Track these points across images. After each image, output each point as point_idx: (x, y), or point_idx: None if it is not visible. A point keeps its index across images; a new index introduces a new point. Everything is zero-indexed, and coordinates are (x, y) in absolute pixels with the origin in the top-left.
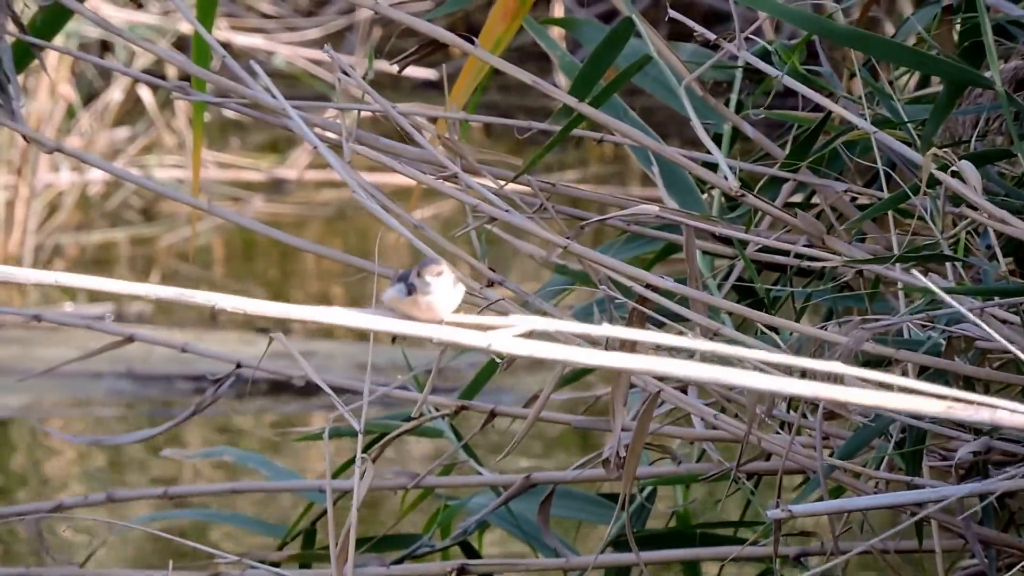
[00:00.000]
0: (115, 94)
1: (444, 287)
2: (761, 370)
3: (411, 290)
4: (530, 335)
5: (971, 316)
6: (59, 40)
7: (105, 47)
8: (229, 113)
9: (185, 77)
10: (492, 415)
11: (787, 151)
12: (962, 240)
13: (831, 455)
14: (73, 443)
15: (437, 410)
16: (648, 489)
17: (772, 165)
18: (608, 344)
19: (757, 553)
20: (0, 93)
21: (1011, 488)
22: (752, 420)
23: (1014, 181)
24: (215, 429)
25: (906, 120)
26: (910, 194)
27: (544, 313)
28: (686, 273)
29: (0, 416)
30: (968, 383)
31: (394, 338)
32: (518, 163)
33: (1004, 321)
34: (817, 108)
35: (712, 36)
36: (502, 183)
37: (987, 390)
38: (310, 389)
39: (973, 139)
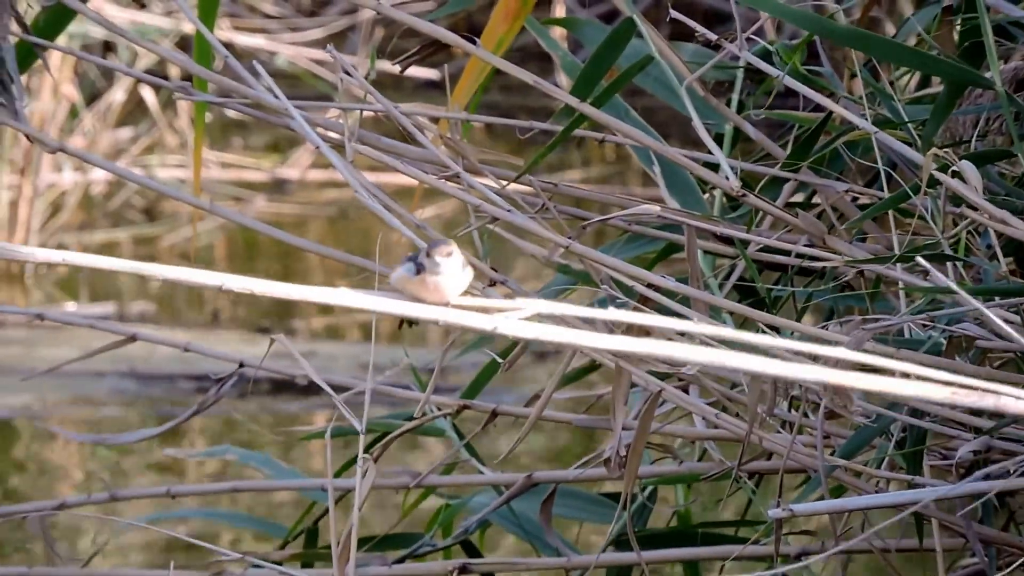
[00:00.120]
0: (118, 94)
1: (453, 268)
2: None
3: (420, 269)
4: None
5: (986, 311)
6: (62, 40)
7: (108, 47)
8: (231, 113)
9: (187, 77)
10: (494, 414)
11: (788, 151)
12: (963, 240)
13: (832, 454)
14: (76, 442)
15: (439, 409)
16: (649, 488)
17: (773, 165)
18: (612, 329)
19: (758, 552)
20: (3, 93)
21: (1011, 487)
22: (753, 419)
23: (1014, 181)
24: (217, 428)
25: (907, 120)
26: (911, 194)
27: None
28: (687, 273)
29: (3, 415)
30: None
31: (400, 323)
32: (520, 163)
33: (1005, 321)
34: (818, 108)
35: (713, 36)
36: (504, 183)
37: None
38: (312, 389)
39: (973, 139)
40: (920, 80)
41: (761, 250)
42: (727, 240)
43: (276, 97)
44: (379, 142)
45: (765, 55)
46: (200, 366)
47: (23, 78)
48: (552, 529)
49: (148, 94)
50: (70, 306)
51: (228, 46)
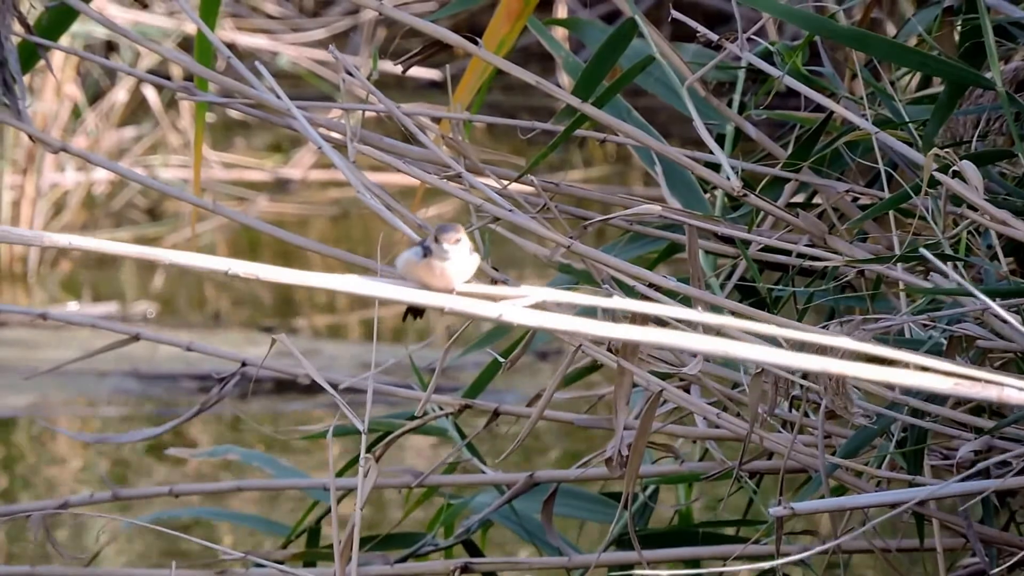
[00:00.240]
0: (120, 94)
1: (460, 255)
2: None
3: (426, 253)
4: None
5: (996, 307)
6: (65, 40)
7: (110, 47)
8: (234, 113)
9: (190, 77)
10: (495, 414)
11: (789, 151)
12: (963, 240)
13: (833, 454)
14: (78, 441)
15: (441, 409)
16: (651, 488)
17: (774, 165)
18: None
19: (759, 552)
20: (6, 93)
21: (1011, 486)
22: (754, 419)
23: (1015, 181)
24: (220, 428)
25: (907, 120)
26: (911, 194)
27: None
28: (689, 273)
29: (6, 415)
30: None
31: (405, 315)
32: (521, 163)
33: (1005, 321)
34: (819, 108)
35: (715, 37)
36: (506, 183)
37: None
38: (315, 388)
39: (974, 139)
40: (921, 80)
41: (762, 250)
42: (728, 240)
43: (278, 97)
44: (381, 142)
45: (766, 55)
46: (202, 366)
47: (26, 78)
48: (553, 528)
49: (151, 94)
50: (73, 306)
51: (230, 46)
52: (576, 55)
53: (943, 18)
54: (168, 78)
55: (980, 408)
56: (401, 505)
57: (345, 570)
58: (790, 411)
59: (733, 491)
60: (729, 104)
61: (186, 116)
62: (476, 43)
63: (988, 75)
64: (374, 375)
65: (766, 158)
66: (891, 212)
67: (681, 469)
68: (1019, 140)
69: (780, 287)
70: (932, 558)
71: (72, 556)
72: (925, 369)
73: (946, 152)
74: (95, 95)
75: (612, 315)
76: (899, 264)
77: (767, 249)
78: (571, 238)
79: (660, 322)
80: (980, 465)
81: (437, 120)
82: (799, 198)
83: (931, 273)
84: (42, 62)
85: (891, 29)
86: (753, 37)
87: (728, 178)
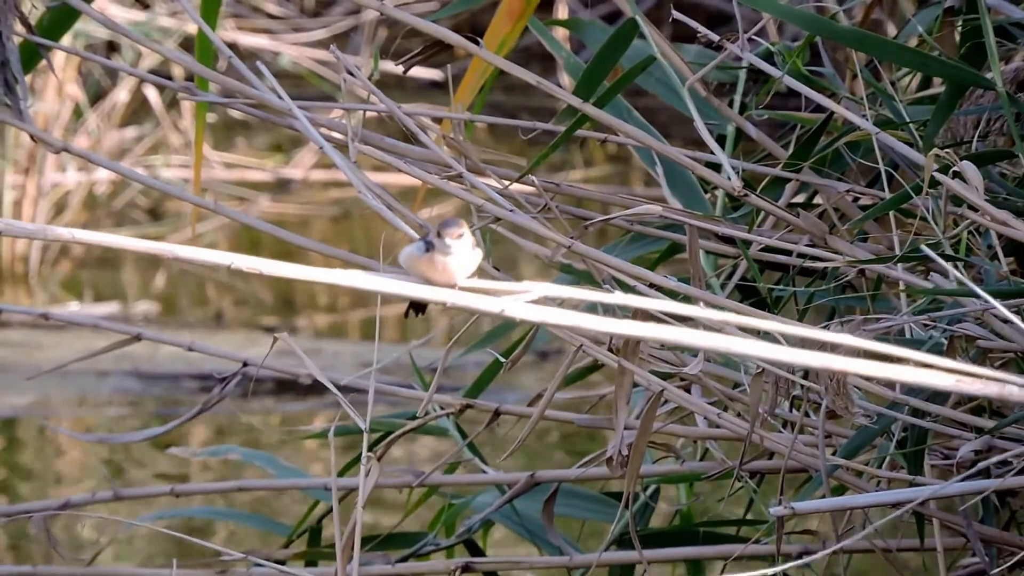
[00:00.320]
0: (122, 94)
1: (463, 250)
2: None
3: (429, 248)
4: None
5: (1000, 307)
6: (66, 40)
7: (112, 47)
8: (235, 113)
9: (191, 77)
10: (496, 413)
11: (790, 151)
12: (964, 240)
13: (833, 454)
14: (80, 441)
15: (442, 409)
16: (651, 487)
17: (775, 165)
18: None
19: (760, 551)
20: (8, 93)
21: (1011, 486)
22: (755, 419)
23: (1015, 182)
24: (221, 428)
25: (908, 121)
26: (912, 194)
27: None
28: (689, 273)
29: (7, 414)
30: None
31: (407, 311)
32: (522, 163)
33: (1006, 321)
34: (820, 109)
35: (715, 37)
36: (507, 183)
37: None
38: (316, 388)
39: (974, 140)
40: (921, 81)
41: (763, 250)
42: (729, 240)
43: (280, 97)
44: (382, 142)
45: (767, 56)
46: (204, 365)
47: (27, 78)
48: (554, 528)
49: (152, 94)
50: (74, 306)
51: (232, 46)
52: (577, 55)
53: (944, 19)
54: (169, 78)
55: (980, 408)
56: (402, 505)
57: (346, 569)
58: (791, 411)
59: (734, 491)
60: (730, 104)
61: (187, 116)
62: (477, 43)
63: (989, 75)
64: (375, 375)
65: (767, 158)
66: (892, 212)
67: (682, 469)
68: (1019, 140)
69: (781, 287)
70: (932, 558)
71: (73, 556)
72: (926, 366)
73: (946, 152)
74: (96, 95)
75: (613, 313)
76: (899, 264)
77: (768, 249)
78: (572, 238)
79: (661, 322)
80: (980, 465)
81: (438, 120)
82: (800, 198)
83: (931, 273)
84: (44, 62)
85: (892, 29)
86: (754, 38)
87: (729, 178)
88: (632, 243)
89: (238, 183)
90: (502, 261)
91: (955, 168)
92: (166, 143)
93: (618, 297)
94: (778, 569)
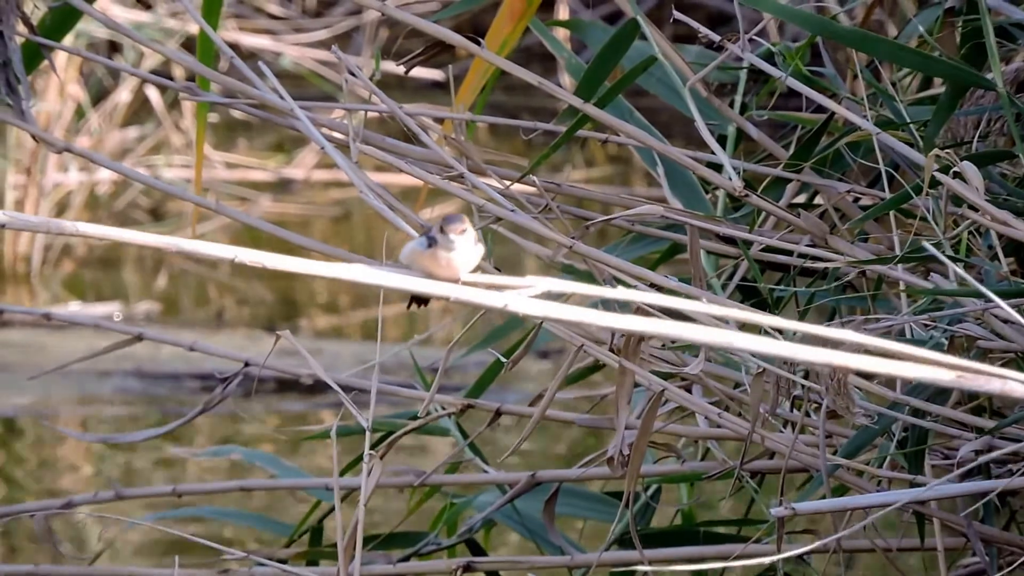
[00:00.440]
0: (123, 94)
1: (465, 246)
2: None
3: (432, 243)
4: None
5: (1005, 306)
6: (68, 41)
7: (113, 47)
8: (236, 113)
9: (192, 77)
10: (498, 413)
11: (791, 152)
12: (964, 241)
13: (834, 454)
14: (82, 441)
15: (443, 408)
16: (653, 487)
17: (776, 166)
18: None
19: (761, 551)
20: (10, 94)
21: (1012, 486)
22: (756, 419)
23: (1016, 182)
24: (223, 427)
25: (908, 121)
26: (912, 195)
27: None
28: (690, 273)
29: (9, 414)
30: None
31: (409, 303)
32: (524, 163)
33: (1006, 321)
34: (820, 109)
35: (716, 38)
36: (508, 183)
37: None
38: (317, 388)
39: (975, 140)
40: (922, 81)
41: (764, 250)
42: (730, 240)
43: (281, 97)
44: (384, 142)
45: (768, 56)
46: (205, 365)
47: (29, 78)
48: (555, 527)
49: (154, 94)
50: (76, 306)
51: (233, 47)
52: (578, 56)
53: (944, 19)
54: (171, 78)
55: (981, 408)
56: (403, 505)
57: (348, 569)
58: (791, 411)
59: (734, 491)
60: (731, 105)
61: (189, 116)
62: (479, 44)
63: (989, 76)
64: (377, 375)
65: (768, 159)
66: (892, 213)
67: (683, 469)
68: (1020, 141)
69: (781, 287)
70: (932, 558)
71: (75, 556)
72: (928, 362)
73: (947, 153)
74: (98, 95)
75: (615, 311)
76: (900, 264)
77: (768, 249)
78: (573, 238)
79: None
80: (980, 460)
81: (440, 120)
82: (800, 198)
83: (932, 274)
84: (46, 62)
85: (892, 30)
86: (755, 38)
87: (730, 178)
88: (633, 243)
89: (239, 183)
90: (503, 261)
91: (955, 168)
92: (168, 143)
93: (620, 292)
94: (778, 560)
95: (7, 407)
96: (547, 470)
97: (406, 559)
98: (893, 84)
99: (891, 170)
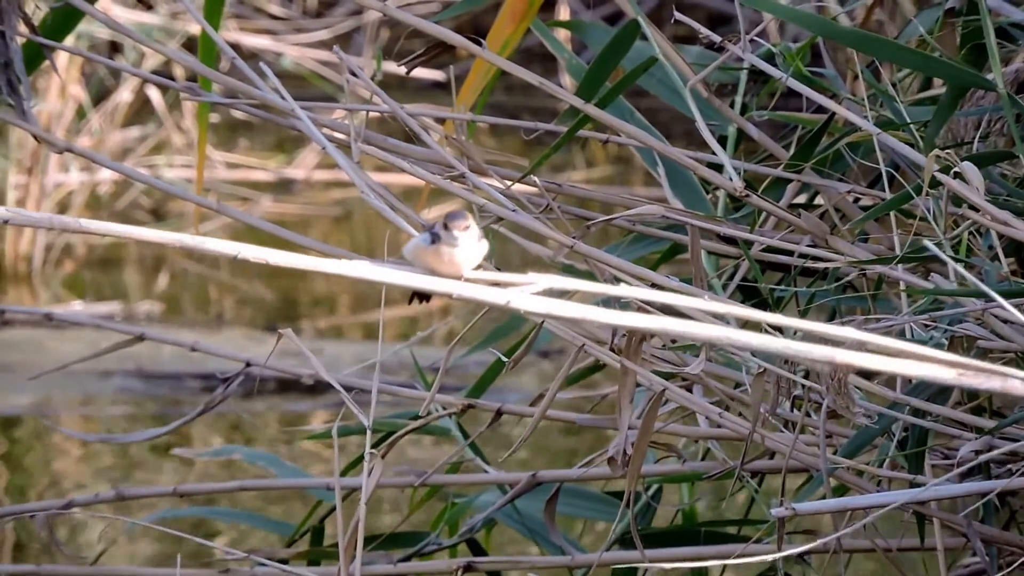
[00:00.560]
0: (124, 94)
1: (469, 242)
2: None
3: (435, 239)
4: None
5: (1008, 305)
6: (69, 41)
7: (115, 48)
8: (237, 113)
9: (194, 78)
10: (499, 413)
11: (791, 152)
12: (964, 241)
13: (834, 454)
14: (83, 441)
15: (444, 408)
16: (653, 487)
17: (776, 166)
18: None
19: (761, 551)
20: (11, 94)
21: (1013, 487)
22: (756, 419)
23: (1016, 182)
24: (224, 427)
25: (909, 122)
26: (913, 195)
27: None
28: (691, 273)
29: (10, 414)
30: None
31: (411, 298)
32: (524, 163)
33: (1006, 321)
34: (821, 109)
35: (717, 38)
36: (509, 183)
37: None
38: (318, 388)
39: (975, 141)
40: (922, 82)
41: (764, 250)
42: (730, 240)
43: (283, 98)
44: (385, 142)
45: (768, 57)
46: (207, 365)
47: (31, 78)
48: (556, 527)
49: (155, 94)
50: (77, 306)
51: (234, 47)
52: (579, 56)
53: (944, 20)
54: (172, 79)
55: (981, 408)
56: (404, 505)
57: (349, 569)
58: (792, 411)
59: (735, 490)
60: (731, 105)
61: (190, 116)
62: (480, 44)
63: (989, 76)
64: (378, 375)
65: (768, 159)
66: (893, 213)
67: (683, 468)
68: (1020, 141)
69: (782, 287)
70: (932, 558)
71: (77, 556)
72: (928, 360)
73: (947, 153)
74: (99, 95)
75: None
76: (900, 265)
77: (769, 249)
78: (574, 238)
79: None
80: (980, 460)
81: (441, 121)
82: (801, 199)
83: (932, 274)
84: (47, 62)
85: (893, 31)
86: (755, 38)
87: (730, 179)
88: (634, 243)
89: (240, 183)
90: (504, 261)
91: (956, 169)
92: (169, 143)
93: (622, 289)
94: (778, 559)
95: (8, 407)
96: (548, 470)
97: (407, 559)
98: (893, 85)
99: (891, 170)
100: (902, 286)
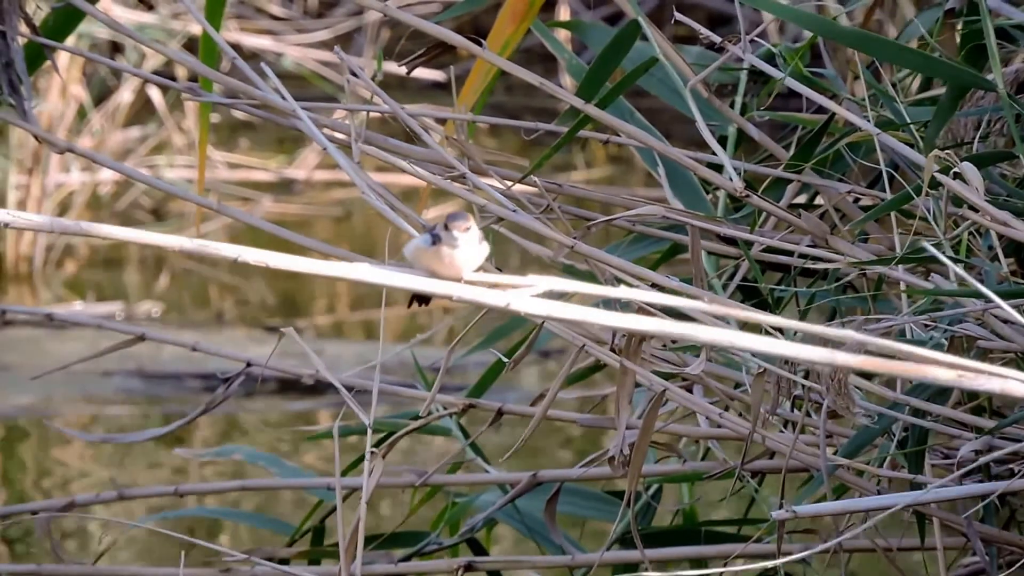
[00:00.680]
0: (125, 95)
1: (469, 243)
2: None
3: (436, 241)
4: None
5: (1007, 307)
6: (70, 41)
7: (116, 48)
8: (238, 114)
9: (195, 78)
10: (499, 413)
11: (791, 152)
12: (964, 241)
13: (834, 454)
14: (83, 441)
15: (445, 408)
16: (654, 487)
17: (776, 166)
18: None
19: (761, 551)
20: (12, 94)
21: (1014, 488)
22: (756, 419)
23: (1016, 183)
24: (224, 427)
25: (909, 122)
26: (913, 195)
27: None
28: (691, 273)
29: (11, 414)
30: None
31: (411, 301)
32: (525, 164)
33: (1006, 321)
34: (821, 110)
35: (717, 38)
36: (509, 183)
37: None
38: (319, 387)
39: (975, 141)
40: (922, 82)
41: (764, 250)
42: (731, 241)
43: (283, 98)
44: (385, 143)
45: (768, 57)
46: (207, 365)
47: (32, 78)
48: (557, 527)
49: (156, 95)
50: (78, 306)
51: (235, 47)
52: (579, 57)
53: (945, 20)
54: (173, 79)
55: (981, 408)
56: (405, 505)
57: (349, 568)
58: (792, 411)
59: (735, 490)
60: (731, 105)
61: (191, 117)
62: (480, 44)
63: (989, 77)
64: (378, 375)
65: (768, 159)
66: (893, 213)
67: (684, 468)
68: (1020, 142)
69: (782, 287)
70: (932, 557)
71: (78, 556)
72: (928, 361)
73: (947, 153)
74: (100, 96)
75: (616, 311)
76: (900, 265)
77: (769, 250)
78: (574, 238)
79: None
80: (980, 460)
81: (441, 121)
82: (801, 199)
83: (932, 274)
84: (48, 63)
85: (893, 31)
86: (755, 39)
87: (730, 179)
88: (634, 244)
89: (241, 183)
90: (505, 262)
91: (956, 169)
92: (170, 143)
93: (622, 291)
94: (779, 564)
95: (9, 407)
96: (548, 470)
97: (407, 559)
98: (893, 85)
99: (891, 171)
100: (902, 286)
